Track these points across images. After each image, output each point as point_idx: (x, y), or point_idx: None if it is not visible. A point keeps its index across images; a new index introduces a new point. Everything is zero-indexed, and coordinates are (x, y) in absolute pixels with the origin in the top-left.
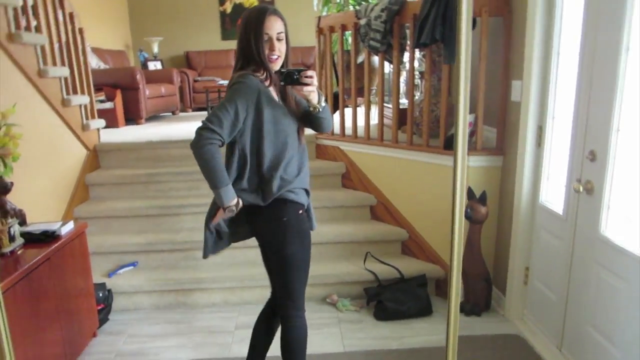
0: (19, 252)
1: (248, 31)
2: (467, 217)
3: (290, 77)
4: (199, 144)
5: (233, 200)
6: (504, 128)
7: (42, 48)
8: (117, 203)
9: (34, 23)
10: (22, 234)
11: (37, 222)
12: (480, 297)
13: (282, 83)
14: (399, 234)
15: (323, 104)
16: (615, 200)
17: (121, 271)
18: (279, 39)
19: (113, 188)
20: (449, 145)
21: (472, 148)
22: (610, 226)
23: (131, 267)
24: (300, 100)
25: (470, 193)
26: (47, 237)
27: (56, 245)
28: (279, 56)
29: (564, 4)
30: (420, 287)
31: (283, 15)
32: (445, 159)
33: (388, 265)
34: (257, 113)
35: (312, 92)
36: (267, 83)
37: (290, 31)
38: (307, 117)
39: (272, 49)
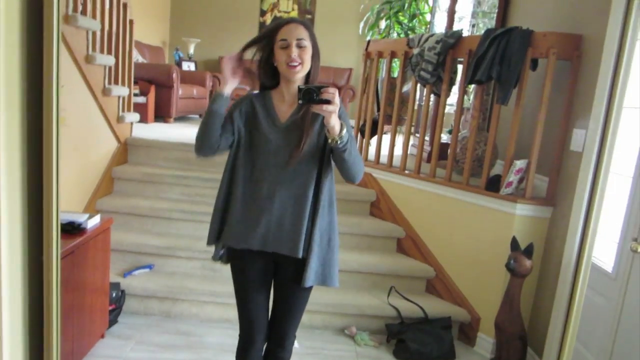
0: None
1: (260, 42)
2: (510, 269)
3: (309, 95)
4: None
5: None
6: (557, 178)
7: (93, 34)
8: (141, 201)
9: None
10: None
11: (63, 212)
12: (514, 357)
13: (299, 101)
14: (425, 271)
15: (345, 137)
16: None
17: (136, 272)
18: (299, 46)
19: (138, 185)
20: (491, 186)
21: (521, 195)
22: None
23: (147, 270)
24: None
25: (514, 243)
26: (73, 229)
27: (82, 238)
28: (300, 63)
29: (634, 54)
30: (445, 330)
31: (310, 25)
32: (484, 199)
33: (412, 302)
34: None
35: (332, 114)
36: (278, 99)
37: (326, 50)
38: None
39: (290, 53)
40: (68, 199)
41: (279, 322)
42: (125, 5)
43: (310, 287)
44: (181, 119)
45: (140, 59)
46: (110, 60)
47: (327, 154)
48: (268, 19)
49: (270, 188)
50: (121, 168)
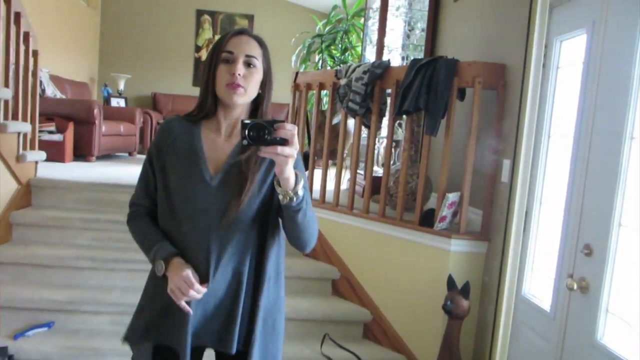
0: None
1: (206, 59)
2: (447, 311)
3: (259, 132)
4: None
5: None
6: (490, 211)
7: None
8: (43, 249)
9: None
10: None
11: None
12: None
13: (244, 142)
14: (361, 314)
15: (301, 193)
16: (614, 302)
17: (31, 333)
18: (248, 64)
19: (41, 230)
20: (425, 221)
21: (455, 230)
22: (608, 332)
23: (45, 329)
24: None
25: (450, 282)
26: None
27: None
28: (241, 86)
29: (556, 83)
30: None
31: (266, 45)
32: (419, 235)
33: (348, 351)
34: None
35: (288, 161)
36: (208, 129)
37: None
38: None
39: (232, 71)
40: None
41: None
42: (27, 35)
43: None
44: (106, 157)
45: (59, 95)
46: (5, 93)
47: (273, 212)
48: (203, 54)
49: (205, 261)
50: (22, 212)
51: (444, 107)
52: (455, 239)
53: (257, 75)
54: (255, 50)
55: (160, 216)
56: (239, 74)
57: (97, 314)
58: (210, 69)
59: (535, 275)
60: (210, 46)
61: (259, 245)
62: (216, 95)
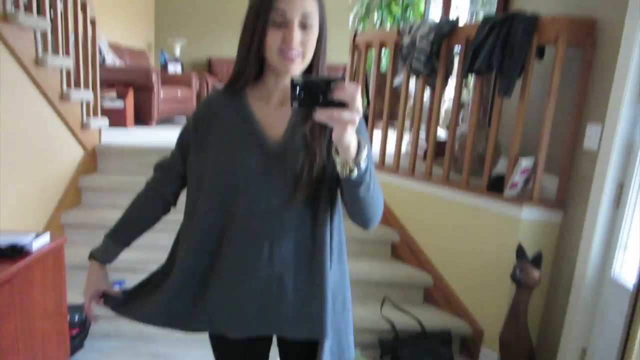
0: None
1: (248, 17)
2: (516, 280)
3: (312, 93)
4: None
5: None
6: (568, 179)
7: (44, 35)
8: (111, 212)
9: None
10: None
11: (8, 231)
12: None
13: (293, 103)
14: (422, 278)
15: (364, 163)
16: None
17: None
18: (304, 26)
19: (109, 195)
20: (494, 187)
21: (528, 197)
22: None
23: (117, 287)
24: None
25: (520, 252)
26: (14, 252)
27: (23, 263)
28: (301, 53)
29: None
30: (444, 346)
31: None
32: (487, 201)
33: (408, 314)
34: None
35: (348, 126)
36: (259, 99)
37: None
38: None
39: (288, 39)
40: (28, 213)
41: None
42: (84, 5)
43: None
44: (165, 121)
45: (119, 62)
46: (66, 62)
47: (334, 184)
48: None
49: (262, 246)
50: (90, 177)
51: (520, 66)
52: (527, 207)
53: (314, 35)
54: (311, 6)
55: (193, 200)
56: (296, 42)
57: None
58: (255, 31)
59: (629, 255)
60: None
61: (319, 219)
62: (262, 59)
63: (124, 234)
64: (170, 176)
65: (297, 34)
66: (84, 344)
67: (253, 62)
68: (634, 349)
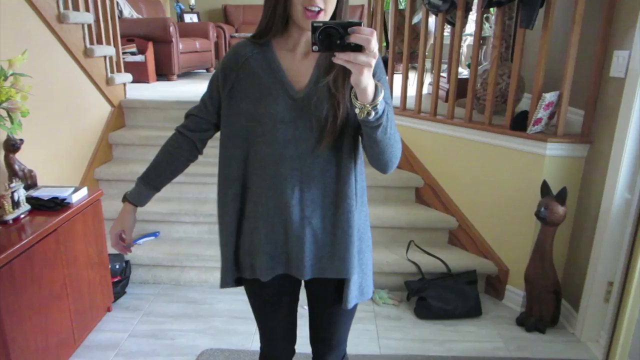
0: (23, 220)
1: None
2: (541, 217)
3: (331, 37)
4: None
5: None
6: (594, 110)
7: None
8: (141, 166)
9: None
10: (29, 200)
11: (48, 186)
12: (547, 311)
13: (314, 48)
14: (447, 221)
15: (381, 106)
16: None
17: (141, 241)
18: None
19: (138, 149)
20: (517, 124)
21: (552, 133)
22: None
23: (152, 238)
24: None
25: (545, 188)
26: (57, 205)
27: (65, 214)
28: (321, 9)
29: None
30: (469, 285)
31: None
32: (510, 140)
33: (434, 256)
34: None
35: (365, 69)
36: (283, 49)
37: None
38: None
39: None
40: (62, 170)
41: (321, 343)
42: None
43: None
44: (186, 74)
45: (135, 15)
46: (87, 17)
47: (357, 130)
48: None
49: (292, 191)
50: (118, 133)
51: None
52: (551, 142)
53: None
54: None
55: (224, 147)
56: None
57: (196, 224)
58: None
59: None
60: None
61: (343, 164)
62: (286, 13)
63: (154, 178)
64: (199, 123)
65: None
66: (126, 290)
67: (279, 17)
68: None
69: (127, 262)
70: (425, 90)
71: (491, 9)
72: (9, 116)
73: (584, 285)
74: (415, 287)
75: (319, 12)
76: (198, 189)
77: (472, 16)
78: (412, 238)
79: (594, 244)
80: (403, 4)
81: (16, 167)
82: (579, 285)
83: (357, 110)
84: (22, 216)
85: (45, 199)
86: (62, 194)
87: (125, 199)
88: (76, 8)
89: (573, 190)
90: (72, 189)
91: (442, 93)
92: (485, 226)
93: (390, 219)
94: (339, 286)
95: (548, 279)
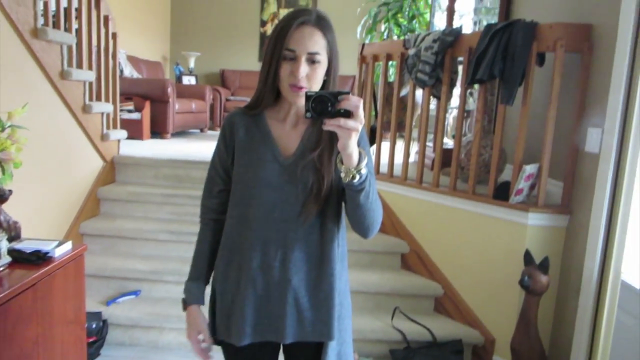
0: (1, 273)
1: (266, 51)
2: (524, 286)
3: (322, 105)
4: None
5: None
6: (572, 182)
7: (69, 49)
8: (127, 222)
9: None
10: (11, 252)
11: (32, 239)
12: None
13: (307, 114)
14: (432, 288)
15: (364, 170)
16: None
17: (121, 300)
18: (312, 61)
19: (126, 205)
20: (500, 194)
21: (533, 203)
22: None
23: (133, 297)
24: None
25: (528, 257)
26: (39, 259)
27: (46, 269)
28: (304, 87)
29: None
30: (456, 355)
31: (329, 26)
32: (493, 209)
33: (419, 324)
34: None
35: (352, 135)
36: (273, 117)
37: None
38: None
39: (295, 73)
40: (49, 223)
41: None
42: (106, 18)
43: None
44: (180, 133)
45: (136, 75)
46: (89, 75)
47: (340, 197)
48: (268, 29)
49: (276, 252)
50: (107, 188)
51: (522, 74)
52: (533, 213)
53: (322, 69)
54: (319, 44)
55: (230, 210)
56: (302, 76)
57: (179, 284)
58: (271, 65)
59: (625, 251)
60: (275, 21)
61: (327, 229)
62: (277, 87)
63: (198, 271)
64: (212, 198)
65: (303, 68)
66: (100, 352)
67: (270, 90)
68: None
69: (104, 321)
70: (411, 158)
71: (475, 85)
72: (1, 167)
73: (570, 355)
74: (401, 356)
75: (302, 88)
76: (184, 248)
77: (457, 91)
78: (398, 304)
79: (578, 315)
80: (392, 77)
81: (1, 217)
82: (565, 355)
83: (342, 174)
84: (1, 269)
85: (28, 252)
86: (45, 247)
87: (186, 303)
88: (80, 66)
89: (555, 259)
90: (56, 242)
91: (427, 162)
92: (471, 294)
93: (375, 285)
94: (318, 353)
95: (534, 350)
